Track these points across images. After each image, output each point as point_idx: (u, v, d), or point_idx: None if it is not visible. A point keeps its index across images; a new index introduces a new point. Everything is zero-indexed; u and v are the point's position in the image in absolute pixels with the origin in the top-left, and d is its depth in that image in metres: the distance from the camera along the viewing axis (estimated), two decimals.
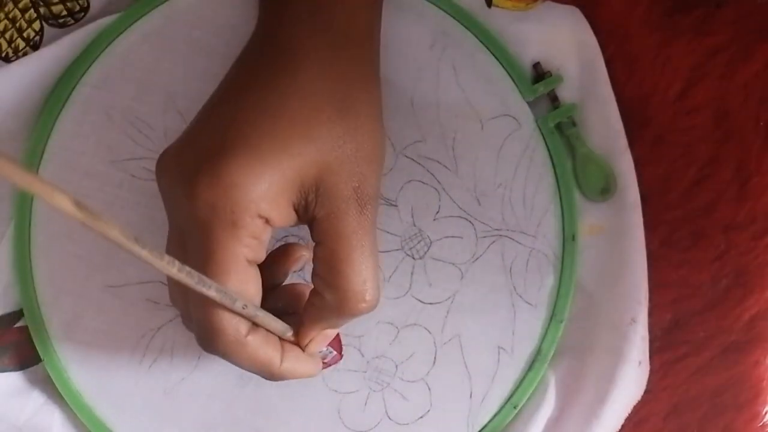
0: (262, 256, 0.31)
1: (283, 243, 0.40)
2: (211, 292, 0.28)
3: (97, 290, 0.39)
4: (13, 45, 0.40)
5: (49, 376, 0.39)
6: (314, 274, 0.32)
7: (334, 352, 0.36)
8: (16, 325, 0.39)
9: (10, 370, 0.39)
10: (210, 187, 0.29)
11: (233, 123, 0.30)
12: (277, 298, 0.35)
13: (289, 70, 0.31)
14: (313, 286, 0.32)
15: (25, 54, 0.40)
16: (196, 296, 0.29)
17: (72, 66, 0.40)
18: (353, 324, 0.40)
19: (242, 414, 0.40)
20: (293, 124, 0.30)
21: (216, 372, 0.40)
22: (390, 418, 0.40)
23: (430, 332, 0.40)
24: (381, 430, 0.40)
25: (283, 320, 0.33)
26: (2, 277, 0.39)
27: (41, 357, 0.39)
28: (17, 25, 0.40)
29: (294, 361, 0.32)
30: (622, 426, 0.41)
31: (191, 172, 0.29)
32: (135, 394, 0.39)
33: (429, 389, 0.40)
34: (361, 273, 0.30)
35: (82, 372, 0.39)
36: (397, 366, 0.40)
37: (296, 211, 0.31)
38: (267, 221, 0.30)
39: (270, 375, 0.32)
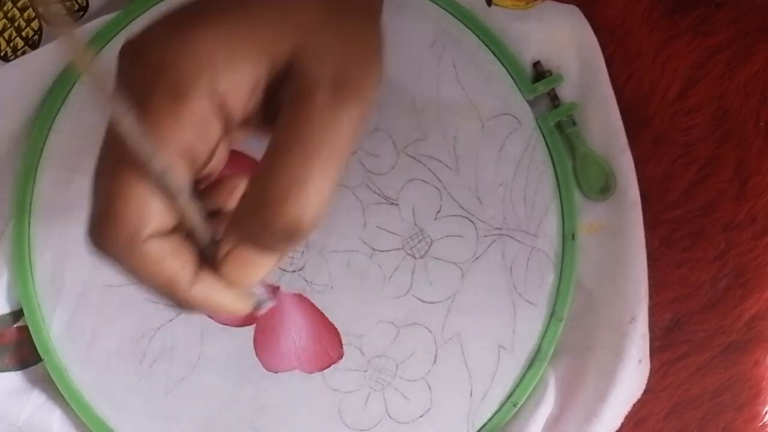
0: (202, 152, 0.25)
1: None
2: (145, 147, 0.23)
3: (98, 290, 0.39)
4: (11, 44, 0.39)
5: (50, 376, 0.39)
6: (253, 171, 0.25)
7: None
8: (16, 325, 0.39)
9: (10, 370, 0.39)
10: (159, 48, 0.23)
11: None
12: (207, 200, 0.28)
13: None
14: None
15: (23, 53, 0.39)
16: (109, 164, 0.24)
17: (71, 65, 0.40)
18: (353, 323, 0.40)
19: (242, 413, 0.40)
20: None
21: (216, 372, 0.39)
22: (390, 417, 0.40)
23: (430, 331, 0.40)
24: (381, 429, 0.40)
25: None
26: (2, 276, 0.39)
27: (41, 356, 0.39)
28: (16, 24, 0.40)
29: (208, 287, 0.26)
30: (622, 425, 0.41)
31: (144, 43, 0.24)
32: (135, 394, 0.39)
33: (429, 388, 0.40)
34: (302, 172, 0.23)
35: (83, 371, 0.39)
36: (397, 365, 0.40)
37: (261, 93, 0.25)
38: (221, 107, 0.24)
39: (176, 299, 0.26)
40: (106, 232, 0.24)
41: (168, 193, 0.24)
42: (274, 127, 0.24)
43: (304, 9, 0.25)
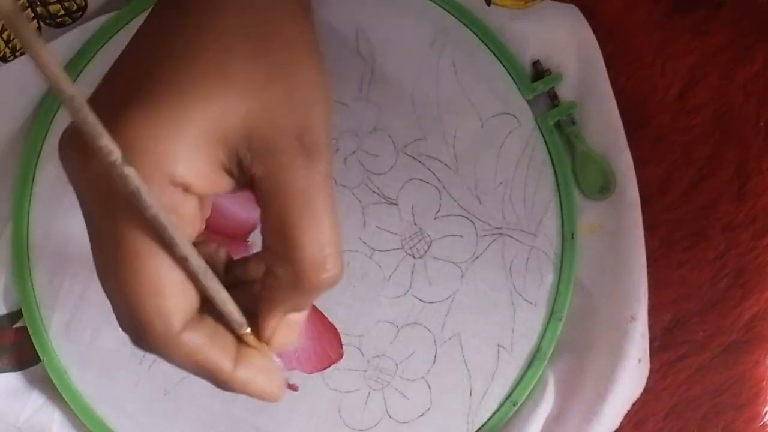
0: (189, 234, 0.25)
1: None
2: (172, 235, 0.23)
3: (97, 290, 0.38)
4: (10, 45, 0.39)
5: (49, 376, 0.39)
6: (264, 248, 0.26)
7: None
8: (15, 326, 0.39)
9: (10, 370, 0.39)
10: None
11: (133, 75, 0.25)
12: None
13: (198, 8, 0.26)
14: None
15: (22, 54, 0.39)
16: (123, 278, 0.24)
17: (69, 65, 0.40)
18: (353, 323, 0.40)
19: (242, 414, 0.40)
20: (203, 64, 0.24)
21: None
22: (390, 417, 0.40)
23: (430, 331, 0.40)
24: (381, 428, 0.40)
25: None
26: (1, 277, 0.39)
27: (41, 357, 0.39)
28: None
29: (251, 369, 0.26)
30: (622, 425, 0.41)
31: (80, 144, 0.23)
32: (135, 394, 0.39)
33: (429, 387, 0.40)
34: (317, 239, 0.24)
35: (82, 372, 0.39)
36: (397, 365, 0.40)
37: (229, 173, 0.25)
38: (186, 189, 0.24)
39: (219, 383, 0.26)
40: (141, 340, 0.24)
41: (193, 277, 0.24)
42: (263, 203, 0.25)
43: (241, 62, 0.25)
